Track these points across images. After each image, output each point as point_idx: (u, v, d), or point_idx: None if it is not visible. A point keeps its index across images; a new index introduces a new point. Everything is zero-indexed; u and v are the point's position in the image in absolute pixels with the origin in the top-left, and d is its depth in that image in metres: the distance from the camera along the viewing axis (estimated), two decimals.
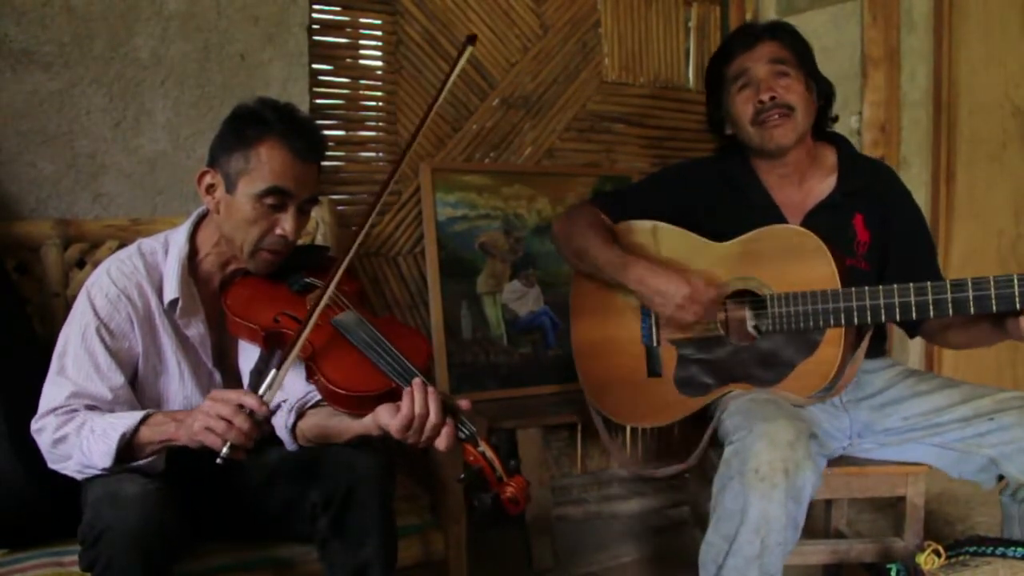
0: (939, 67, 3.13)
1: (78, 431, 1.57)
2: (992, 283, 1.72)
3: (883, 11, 3.13)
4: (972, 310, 1.74)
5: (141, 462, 1.57)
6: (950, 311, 1.76)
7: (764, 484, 1.70)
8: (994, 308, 1.72)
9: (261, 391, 1.52)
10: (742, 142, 2.14)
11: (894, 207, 2.08)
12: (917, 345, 3.06)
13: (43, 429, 1.60)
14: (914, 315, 1.80)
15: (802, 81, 2.05)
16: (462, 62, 1.80)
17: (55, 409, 1.61)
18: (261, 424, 1.50)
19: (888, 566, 1.62)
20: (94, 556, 1.44)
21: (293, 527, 1.72)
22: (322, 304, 1.63)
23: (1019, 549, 1.60)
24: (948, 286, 1.76)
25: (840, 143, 2.15)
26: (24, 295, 2.09)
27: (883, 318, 1.84)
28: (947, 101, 3.12)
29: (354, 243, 1.69)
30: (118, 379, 1.66)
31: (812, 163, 2.11)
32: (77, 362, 1.65)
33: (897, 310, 1.81)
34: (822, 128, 2.15)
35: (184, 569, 1.62)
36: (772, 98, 2.02)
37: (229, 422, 1.46)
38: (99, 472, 1.56)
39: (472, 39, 1.85)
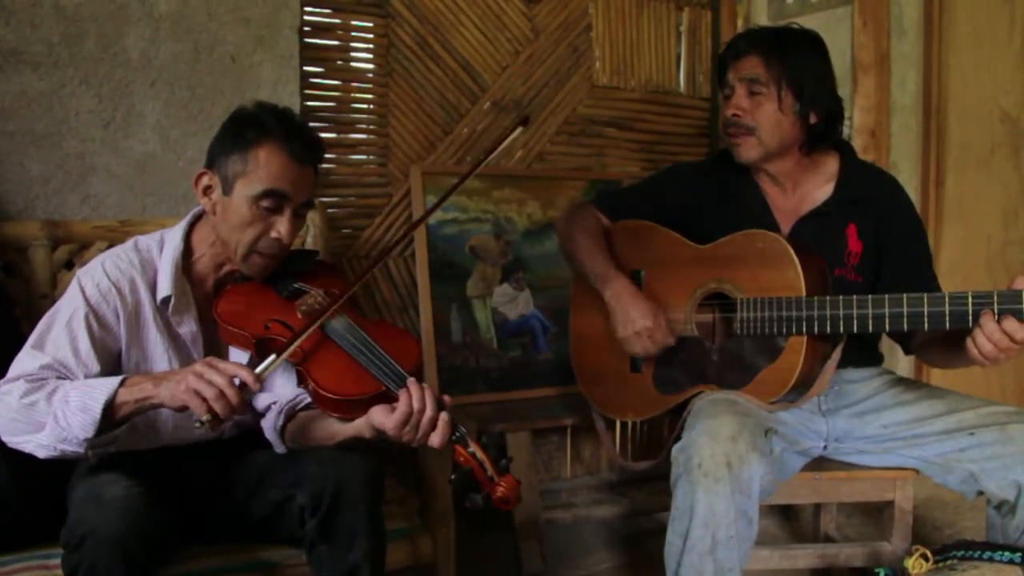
0: (929, 73, 3.14)
1: (49, 399, 1.53)
2: (947, 299, 1.72)
3: (873, 17, 3.14)
4: (927, 326, 1.75)
5: (114, 433, 1.54)
6: (905, 325, 1.77)
7: (708, 479, 1.73)
8: (947, 325, 1.72)
9: (261, 367, 1.53)
10: None
11: (891, 218, 2.06)
12: None
13: (8, 393, 1.55)
14: (870, 328, 1.81)
15: (775, 100, 2.01)
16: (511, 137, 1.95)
17: (25, 375, 1.58)
18: (248, 403, 1.50)
19: (876, 570, 1.62)
20: (77, 560, 1.42)
21: (281, 530, 1.72)
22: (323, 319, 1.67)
23: (1006, 553, 1.61)
24: (904, 300, 1.76)
25: (845, 151, 2.13)
26: (12, 296, 2.08)
27: (841, 329, 1.85)
28: (936, 107, 3.13)
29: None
30: (94, 368, 1.64)
31: (806, 171, 2.10)
32: (57, 342, 1.63)
33: (855, 322, 1.82)
34: (818, 141, 2.09)
35: (172, 572, 1.62)
36: (735, 115, 2.03)
37: (221, 391, 1.46)
38: (73, 449, 1.52)
39: (525, 120, 2.02)
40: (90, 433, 1.50)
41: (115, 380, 1.54)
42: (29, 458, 1.59)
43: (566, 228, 2.29)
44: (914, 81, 3.17)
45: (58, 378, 1.59)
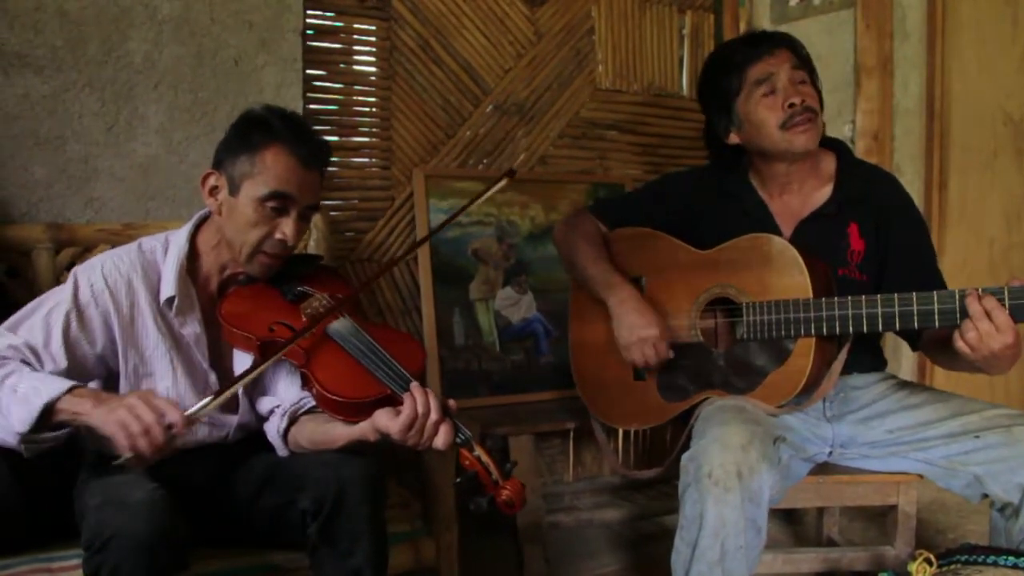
0: (932, 76, 3.13)
1: (2, 382, 1.53)
2: (955, 297, 1.73)
3: (876, 20, 3.14)
4: (936, 324, 1.75)
5: (48, 435, 1.53)
6: (915, 323, 1.77)
7: (718, 488, 1.71)
8: (936, 324, 1.74)
9: (193, 409, 1.50)
10: (752, 149, 2.10)
11: (892, 216, 2.05)
12: (909, 357, 3.06)
13: None
14: (880, 327, 1.81)
15: (811, 83, 2.04)
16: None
17: None
18: (173, 442, 1.48)
19: (880, 575, 1.62)
20: (99, 562, 1.41)
21: (284, 534, 1.71)
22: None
23: (1010, 558, 1.60)
24: (915, 298, 1.76)
25: (841, 150, 2.12)
26: (15, 299, 2.08)
27: (851, 329, 1.84)
28: (940, 110, 3.13)
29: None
30: (61, 363, 1.63)
31: (811, 171, 2.08)
32: (32, 328, 1.64)
33: (864, 321, 1.82)
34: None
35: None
36: (803, 102, 1.98)
37: (146, 428, 1.44)
38: (7, 439, 1.51)
39: (512, 173, 2.05)
40: (24, 428, 1.49)
41: (65, 384, 1.52)
42: (33, 460, 1.59)
43: (566, 236, 2.27)
44: (917, 84, 3.17)
45: (22, 361, 1.59)
